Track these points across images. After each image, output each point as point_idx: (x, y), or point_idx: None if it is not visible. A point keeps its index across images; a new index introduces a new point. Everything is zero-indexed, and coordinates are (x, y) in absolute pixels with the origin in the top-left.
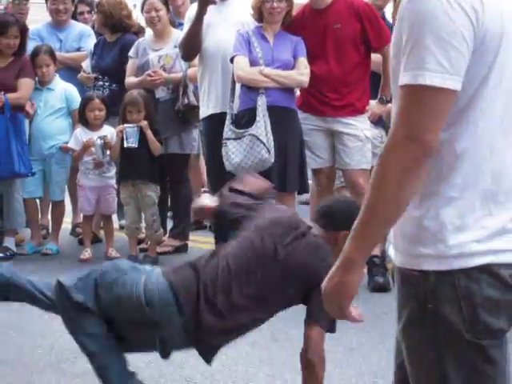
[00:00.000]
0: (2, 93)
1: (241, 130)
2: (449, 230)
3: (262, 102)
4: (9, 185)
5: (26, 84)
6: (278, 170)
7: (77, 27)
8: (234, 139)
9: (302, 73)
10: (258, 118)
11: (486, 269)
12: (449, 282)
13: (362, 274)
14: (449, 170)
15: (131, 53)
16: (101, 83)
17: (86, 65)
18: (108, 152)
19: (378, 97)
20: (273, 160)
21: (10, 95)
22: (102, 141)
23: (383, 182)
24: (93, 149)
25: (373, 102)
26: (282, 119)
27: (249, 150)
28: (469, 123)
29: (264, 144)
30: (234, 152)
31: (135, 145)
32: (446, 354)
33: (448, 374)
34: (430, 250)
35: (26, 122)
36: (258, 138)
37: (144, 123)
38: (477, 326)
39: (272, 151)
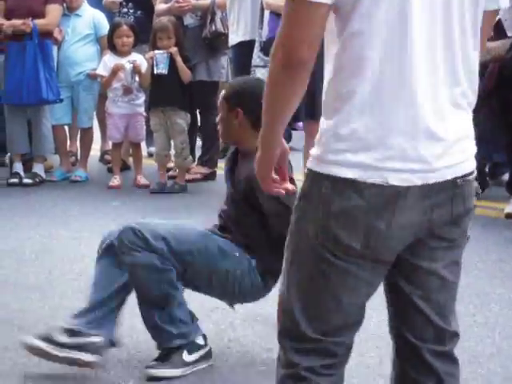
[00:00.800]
0: (30, 19)
1: (268, 58)
2: (331, 136)
3: None
4: (37, 111)
5: (54, 10)
6: (306, 98)
7: None
8: (263, 67)
9: None
10: None
11: (352, 183)
12: (317, 185)
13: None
14: (334, 81)
15: None
16: (125, 10)
17: None
18: (137, 77)
19: None
20: None
21: (38, 21)
22: (132, 65)
23: (266, 86)
24: (121, 74)
25: None
26: None
27: None
28: (346, 41)
29: None
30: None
31: (165, 71)
32: (297, 251)
33: (288, 271)
34: (315, 150)
35: (54, 48)
36: None
37: (174, 49)
38: (326, 235)
39: None
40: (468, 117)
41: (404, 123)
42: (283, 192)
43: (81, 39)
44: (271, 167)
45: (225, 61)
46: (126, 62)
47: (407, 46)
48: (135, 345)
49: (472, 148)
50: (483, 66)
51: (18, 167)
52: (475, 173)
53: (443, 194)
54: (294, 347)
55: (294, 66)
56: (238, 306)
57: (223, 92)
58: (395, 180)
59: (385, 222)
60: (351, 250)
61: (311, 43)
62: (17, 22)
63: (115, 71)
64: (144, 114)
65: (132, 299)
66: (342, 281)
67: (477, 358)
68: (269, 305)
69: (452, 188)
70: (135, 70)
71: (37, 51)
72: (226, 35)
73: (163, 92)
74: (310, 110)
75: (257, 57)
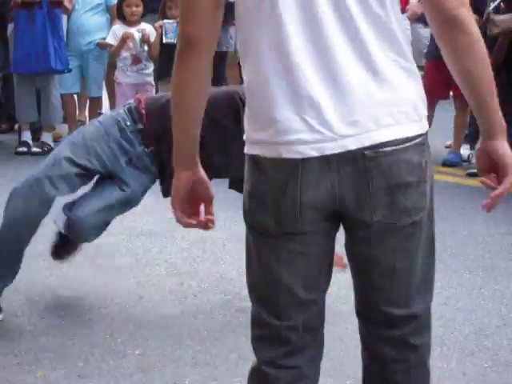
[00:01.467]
0: None
1: None
2: (245, 118)
3: None
4: (46, 80)
5: None
6: None
7: None
8: None
9: None
10: None
11: (257, 159)
12: (247, 164)
13: (185, 177)
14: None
15: None
16: None
17: None
18: (146, 47)
19: None
20: None
21: None
22: (141, 34)
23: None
24: (130, 43)
25: (413, 1)
26: None
27: None
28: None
29: None
30: None
31: (174, 40)
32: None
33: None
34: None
35: (64, 17)
36: None
37: None
38: (245, 211)
39: None
40: (388, 82)
41: (287, 94)
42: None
43: (91, 8)
44: (179, 195)
45: (233, 31)
46: (135, 31)
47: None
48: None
49: (398, 116)
50: (492, 40)
51: (27, 136)
52: (410, 144)
53: (349, 167)
54: (256, 334)
55: (182, 47)
56: (243, 277)
57: None
58: (288, 153)
59: (291, 198)
60: (269, 227)
61: (196, 20)
62: None
63: (124, 39)
64: (153, 83)
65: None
66: (275, 258)
67: (483, 331)
68: None
69: (361, 160)
70: (144, 39)
71: (46, 20)
72: (233, 5)
73: (172, 62)
74: None
75: None
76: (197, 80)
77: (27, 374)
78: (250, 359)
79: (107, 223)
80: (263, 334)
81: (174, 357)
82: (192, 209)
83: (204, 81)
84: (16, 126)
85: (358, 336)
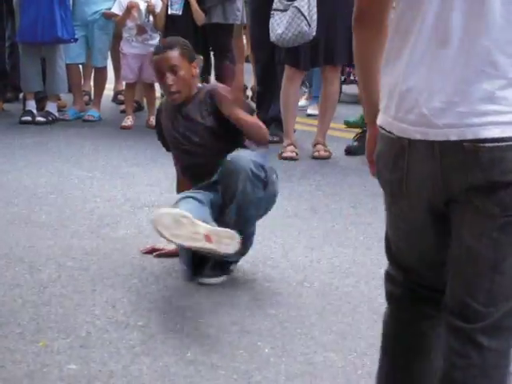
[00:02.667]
0: None
1: (288, 2)
2: (382, 85)
3: None
4: (52, 50)
5: None
6: (325, 43)
7: None
8: (282, 11)
9: None
10: None
11: (380, 128)
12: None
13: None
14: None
15: None
16: None
17: None
18: (151, 17)
19: None
20: (314, 33)
21: None
22: (146, 4)
23: None
24: (136, 13)
25: None
26: None
27: (290, 21)
28: None
29: (305, 17)
30: (278, 23)
31: (179, 12)
32: None
33: None
34: None
35: None
36: (300, 11)
37: None
38: (378, 174)
39: (313, 24)
40: (498, 80)
41: (406, 78)
42: None
43: None
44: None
45: (240, 3)
46: (140, 1)
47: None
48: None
49: (505, 115)
50: None
51: (31, 105)
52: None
53: (450, 156)
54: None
55: (354, 19)
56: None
57: (175, 53)
58: (398, 132)
59: (399, 173)
60: (390, 189)
61: None
62: None
63: (129, 9)
64: None
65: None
66: (395, 216)
67: None
68: (278, 250)
69: (461, 152)
70: (149, 9)
71: None
72: None
73: (177, 33)
74: (329, 56)
75: (277, 0)
76: (365, 49)
77: (29, 344)
78: (252, 332)
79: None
80: (391, 290)
81: (176, 328)
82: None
83: (374, 50)
84: (21, 96)
85: (359, 310)
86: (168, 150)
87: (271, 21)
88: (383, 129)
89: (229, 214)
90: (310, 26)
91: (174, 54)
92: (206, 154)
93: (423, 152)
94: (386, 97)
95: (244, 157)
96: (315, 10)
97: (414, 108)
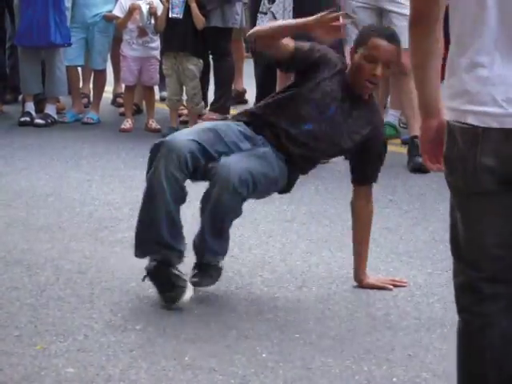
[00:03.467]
0: None
1: (269, 5)
2: (449, 84)
3: None
4: (51, 53)
5: None
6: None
7: None
8: (264, 13)
9: None
10: None
11: (449, 126)
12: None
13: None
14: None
15: None
16: None
17: None
18: (152, 20)
19: None
20: None
21: None
22: (148, 6)
23: None
24: (137, 16)
25: None
26: None
27: None
28: None
29: None
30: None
31: (180, 15)
32: None
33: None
34: None
35: None
36: (274, 16)
37: None
38: (445, 172)
39: None
40: None
41: (481, 71)
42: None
43: None
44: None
45: (239, 7)
46: (142, 3)
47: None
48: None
49: None
50: None
51: (30, 107)
52: None
53: None
54: (455, 283)
55: (410, 20)
56: (245, 254)
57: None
58: (474, 121)
59: (472, 162)
60: (460, 187)
61: None
62: None
63: (131, 12)
64: (158, 57)
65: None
66: (467, 214)
67: None
68: (277, 254)
69: None
70: (152, 11)
71: None
72: None
73: (177, 37)
74: None
75: (263, 3)
76: (421, 50)
77: (27, 347)
78: (249, 336)
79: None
80: (461, 284)
81: (174, 333)
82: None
83: (429, 50)
84: (20, 97)
85: (357, 315)
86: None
87: (257, 23)
88: (451, 123)
89: (204, 214)
90: None
91: (399, 53)
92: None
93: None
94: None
95: (235, 168)
96: (290, 14)
97: None
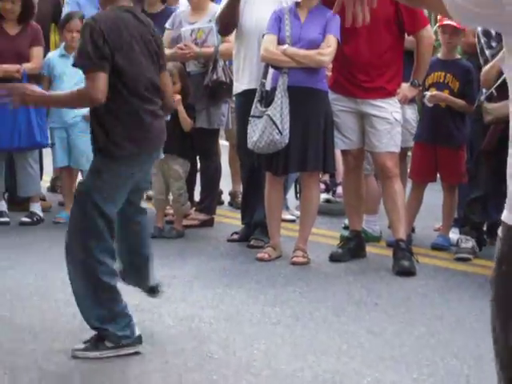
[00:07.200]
0: (22, 67)
1: (263, 109)
2: None
3: (282, 82)
4: (23, 153)
5: (38, 52)
6: (298, 150)
7: None
8: (258, 117)
9: (322, 53)
10: (275, 99)
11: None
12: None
13: None
14: None
15: (168, 24)
16: None
17: None
18: None
19: (411, 80)
20: (286, 141)
21: (27, 66)
22: None
23: None
24: None
25: (405, 85)
26: (304, 99)
27: (264, 129)
28: None
29: (276, 126)
30: (254, 130)
31: (167, 118)
32: None
33: None
34: None
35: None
36: (272, 119)
37: (177, 98)
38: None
39: (285, 133)
40: None
41: None
42: None
43: (79, 81)
44: None
45: (225, 108)
46: None
47: None
48: None
49: None
50: (485, 126)
51: (2, 205)
52: None
53: None
54: None
55: None
56: (230, 357)
57: None
58: None
59: None
60: None
61: None
62: (10, 67)
63: None
64: None
65: None
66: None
67: None
68: (261, 357)
69: None
70: None
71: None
72: (227, 84)
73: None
74: (302, 163)
75: (255, 107)
76: None
77: None
78: None
79: None
80: None
81: None
82: None
83: None
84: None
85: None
86: None
87: (248, 127)
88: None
89: None
90: (281, 133)
91: None
92: None
93: None
94: None
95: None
96: (288, 117)
97: None
